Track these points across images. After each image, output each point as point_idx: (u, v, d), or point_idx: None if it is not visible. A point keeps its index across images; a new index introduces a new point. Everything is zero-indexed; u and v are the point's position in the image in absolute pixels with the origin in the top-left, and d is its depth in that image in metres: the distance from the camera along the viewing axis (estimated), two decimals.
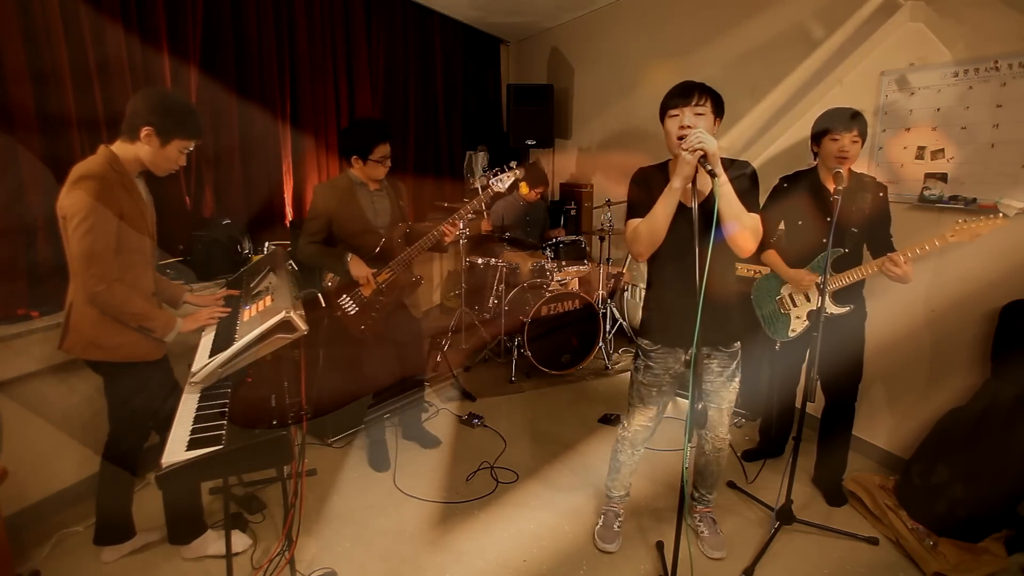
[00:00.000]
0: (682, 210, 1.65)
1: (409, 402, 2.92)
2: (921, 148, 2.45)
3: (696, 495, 2.18)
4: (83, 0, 2.31)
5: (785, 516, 2.14)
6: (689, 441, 1.59)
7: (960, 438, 2.14)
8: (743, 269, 2.76)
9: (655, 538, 2.16)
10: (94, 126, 2.40)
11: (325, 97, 3.68)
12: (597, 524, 2.21)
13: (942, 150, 2.39)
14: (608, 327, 3.91)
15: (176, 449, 1.35)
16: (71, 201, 1.63)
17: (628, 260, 4.19)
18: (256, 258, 2.78)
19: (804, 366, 2.38)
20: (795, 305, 2.28)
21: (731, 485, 2.51)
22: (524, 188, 3.96)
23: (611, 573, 2.03)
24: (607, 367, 3.85)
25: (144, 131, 1.70)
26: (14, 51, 2.11)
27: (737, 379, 1.90)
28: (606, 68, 4.36)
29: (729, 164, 1.68)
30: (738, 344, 1.87)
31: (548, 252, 3.83)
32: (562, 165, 5.06)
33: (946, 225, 1.97)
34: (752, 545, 2.13)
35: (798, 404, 2.32)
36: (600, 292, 3.92)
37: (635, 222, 1.75)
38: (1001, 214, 1.88)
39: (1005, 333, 2.18)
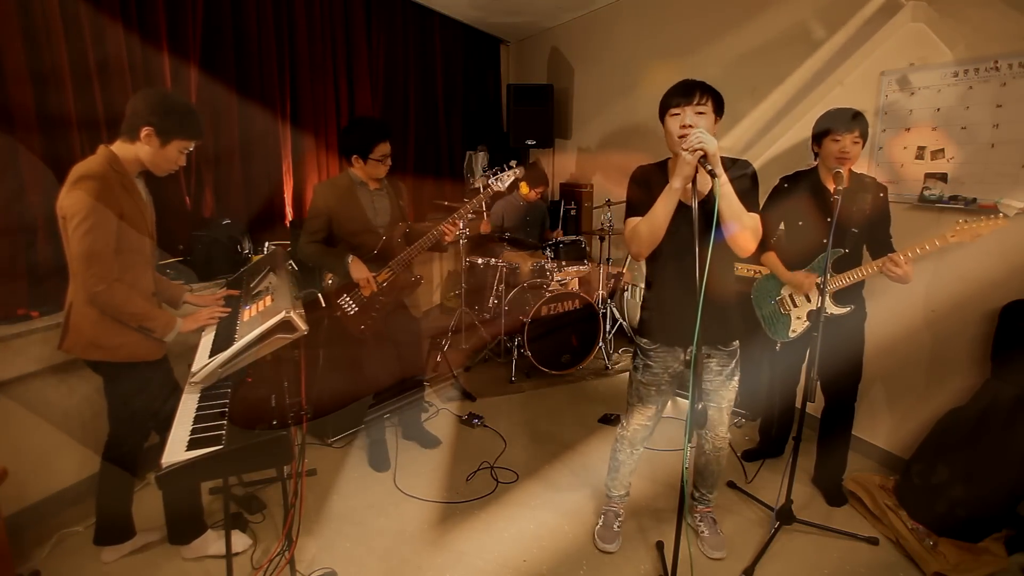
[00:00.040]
0: (682, 209, 1.65)
1: (409, 402, 2.92)
2: (921, 148, 2.45)
3: (696, 495, 2.18)
4: (83, 0, 2.31)
5: (785, 516, 2.14)
6: (689, 441, 1.59)
7: (960, 438, 2.14)
8: (743, 269, 2.76)
9: (655, 538, 2.16)
10: (94, 126, 2.40)
11: (325, 97, 3.68)
12: (597, 524, 2.21)
13: (942, 150, 2.39)
14: (608, 327, 3.91)
15: (176, 449, 1.35)
16: (71, 201, 1.63)
17: (628, 260, 4.19)
18: (256, 258, 2.78)
19: (804, 366, 2.38)
20: (795, 306, 2.28)
21: (731, 485, 2.51)
22: (524, 188, 3.96)
23: (611, 573, 2.03)
24: (607, 367, 3.85)
25: (144, 131, 1.70)
26: (14, 51, 2.11)
27: (736, 378, 1.90)
28: (606, 68, 4.36)
29: (730, 164, 1.68)
30: (737, 343, 1.87)
31: (548, 252, 3.83)
32: (562, 165, 5.05)
33: (946, 225, 1.97)
34: (752, 545, 2.13)
35: (798, 404, 2.32)
36: (600, 292, 3.92)
37: (634, 221, 1.75)
38: (1001, 214, 1.88)
39: (1005, 333, 2.18)
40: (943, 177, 2.38)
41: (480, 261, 3.93)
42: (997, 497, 2.01)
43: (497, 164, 2.60)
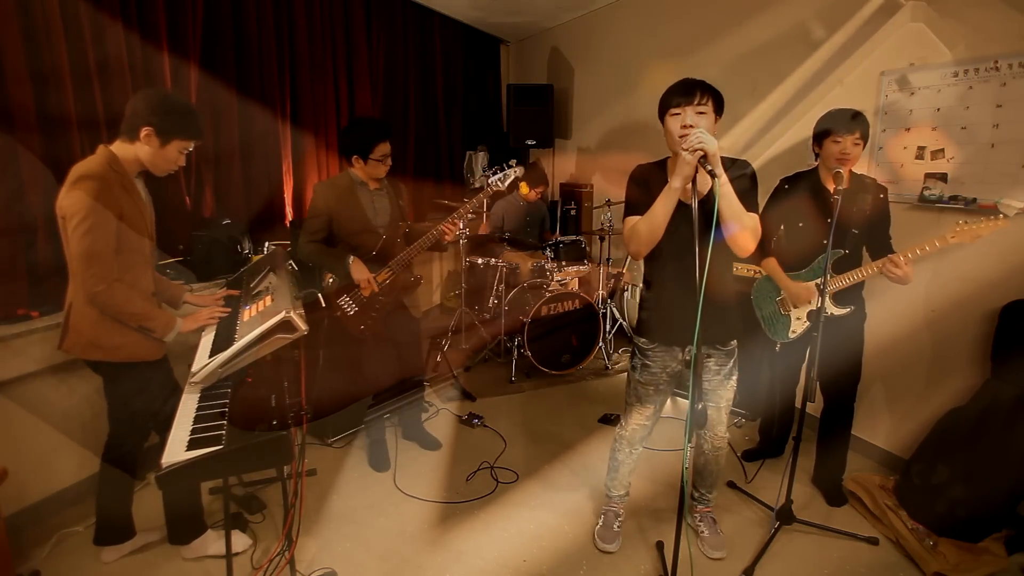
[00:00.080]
0: (681, 209, 1.65)
1: (409, 402, 2.92)
2: (921, 148, 2.45)
3: (696, 495, 2.18)
4: (83, 0, 2.31)
5: (785, 516, 2.14)
6: (689, 441, 1.59)
7: (960, 438, 2.14)
8: (743, 269, 2.76)
9: (655, 538, 2.16)
10: (94, 126, 2.40)
11: (325, 97, 3.68)
12: (597, 524, 2.21)
13: (942, 150, 2.39)
14: (608, 327, 3.91)
15: (176, 449, 1.35)
16: (70, 201, 1.63)
17: (628, 260, 4.19)
18: (256, 258, 2.78)
19: (804, 366, 2.38)
20: (795, 306, 2.27)
21: (731, 485, 2.51)
22: (524, 188, 3.96)
23: (611, 573, 2.03)
24: (607, 367, 3.85)
25: (144, 131, 1.70)
26: (14, 51, 2.11)
27: (734, 378, 1.90)
28: (606, 68, 4.36)
29: (730, 164, 1.68)
30: (735, 343, 1.87)
31: (548, 252, 3.84)
32: (562, 165, 5.05)
33: (946, 225, 1.97)
34: (752, 545, 2.13)
35: (798, 404, 2.32)
36: (600, 292, 3.92)
37: (633, 220, 1.75)
38: (1002, 215, 1.88)
39: (1005, 333, 2.18)
40: (943, 177, 2.38)
41: (480, 261, 3.93)
42: (997, 497, 2.01)
43: (497, 164, 2.60)
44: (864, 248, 2.19)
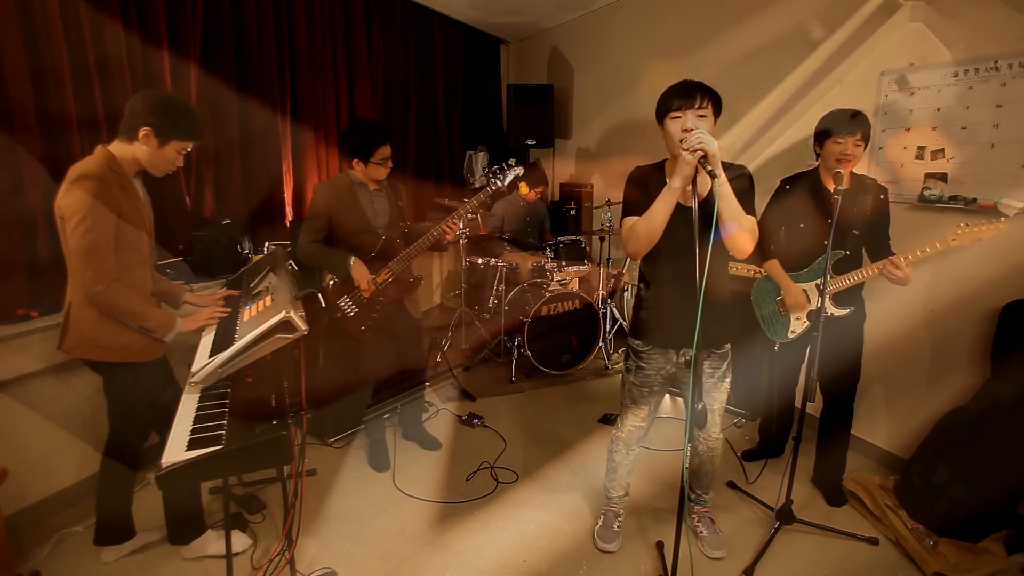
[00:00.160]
0: (679, 211, 1.65)
1: (409, 402, 2.92)
2: (921, 148, 2.45)
3: (693, 496, 2.18)
4: (83, 0, 2.31)
5: (785, 516, 2.14)
6: (689, 441, 1.59)
7: (960, 438, 2.14)
8: (743, 269, 2.76)
9: (655, 538, 2.16)
10: (94, 126, 2.40)
11: (325, 97, 3.68)
12: (597, 524, 2.21)
13: (942, 150, 2.39)
14: (608, 327, 3.91)
15: (176, 449, 1.35)
16: (69, 201, 1.63)
17: (628, 260, 4.19)
18: (256, 258, 2.78)
19: (804, 366, 2.38)
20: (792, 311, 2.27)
21: (731, 485, 2.51)
22: (524, 188, 3.97)
23: (611, 573, 2.03)
24: (607, 367, 3.85)
25: (142, 131, 1.70)
26: (14, 51, 2.11)
27: (728, 379, 1.91)
28: (606, 68, 4.36)
29: (726, 168, 1.68)
30: (728, 345, 1.88)
31: (548, 252, 3.84)
32: (562, 165, 5.05)
33: (946, 225, 1.97)
34: (752, 545, 2.13)
35: (798, 404, 2.32)
36: (600, 292, 3.92)
37: (631, 220, 1.75)
38: (1003, 217, 1.88)
39: (1005, 333, 2.18)
40: (943, 177, 2.38)
41: (480, 261, 3.93)
42: (997, 497, 2.01)
43: (497, 164, 2.60)
44: (863, 249, 2.19)
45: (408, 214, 2.70)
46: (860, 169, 2.25)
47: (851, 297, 2.19)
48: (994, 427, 2.05)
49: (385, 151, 2.38)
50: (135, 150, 1.73)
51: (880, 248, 2.14)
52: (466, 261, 3.96)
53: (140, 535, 2.08)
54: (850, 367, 2.25)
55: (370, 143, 2.35)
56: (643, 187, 1.76)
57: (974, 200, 2.29)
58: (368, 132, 2.37)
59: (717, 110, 1.67)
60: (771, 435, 2.66)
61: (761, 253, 2.28)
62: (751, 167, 1.78)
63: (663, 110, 1.68)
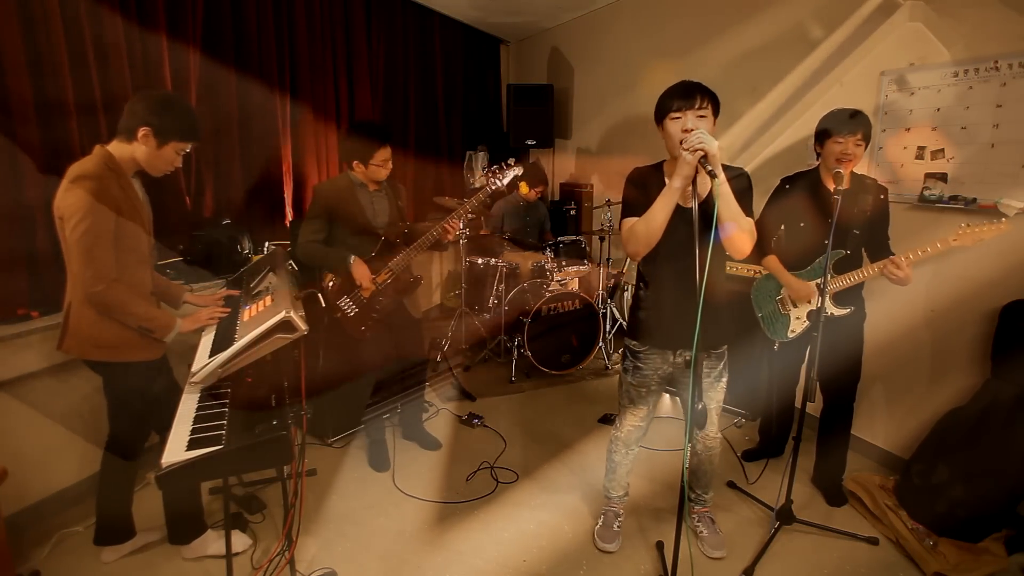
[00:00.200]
0: (678, 211, 1.65)
1: (409, 402, 2.92)
2: (921, 148, 2.45)
3: (692, 496, 2.18)
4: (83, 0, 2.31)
5: (785, 516, 2.14)
6: (689, 441, 1.59)
7: (960, 438, 2.14)
8: (743, 269, 2.76)
9: (655, 538, 2.16)
10: (94, 127, 2.40)
11: (325, 97, 3.68)
12: (597, 524, 2.21)
13: (942, 150, 2.39)
14: (608, 327, 3.91)
15: (176, 449, 1.35)
16: (68, 202, 1.63)
17: (627, 260, 4.19)
18: (256, 258, 2.78)
19: (804, 366, 2.38)
20: (795, 306, 2.27)
21: (731, 485, 2.51)
22: (524, 188, 3.97)
23: (611, 573, 2.03)
24: (607, 367, 3.85)
25: (142, 131, 1.70)
26: (14, 49, 2.11)
27: (725, 379, 1.91)
28: (606, 68, 4.36)
29: (724, 169, 1.68)
30: (725, 346, 1.88)
31: (548, 252, 3.84)
32: (562, 165, 5.05)
33: (946, 225, 1.97)
34: (752, 545, 2.13)
35: (798, 404, 2.32)
36: (600, 292, 3.92)
37: (631, 221, 1.75)
38: (1004, 218, 1.88)
39: (1005, 333, 2.18)
40: (943, 177, 2.38)
41: (480, 261, 3.93)
42: (997, 497, 2.01)
43: (496, 164, 2.60)
44: (863, 248, 2.19)
45: (408, 214, 2.70)
46: (860, 169, 2.25)
47: (851, 297, 2.19)
48: (994, 427, 2.06)
49: (385, 153, 2.38)
50: (134, 150, 1.73)
51: (879, 248, 2.14)
52: (466, 261, 3.96)
53: (140, 535, 2.08)
54: (850, 367, 2.25)
55: (370, 145, 2.35)
56: (642, 187, 1.76)
57: (974, 200, 2.29)
58: (368, 134, 2.37)
59: (716, 110, 1.67)
60: (771, 435, 2.66)
61: (760, 251, 2.28)
62: (750, 167, 1.79)
63: (663, 111, 1.69)
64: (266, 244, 3.10)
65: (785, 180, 2.32)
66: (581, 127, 4.79)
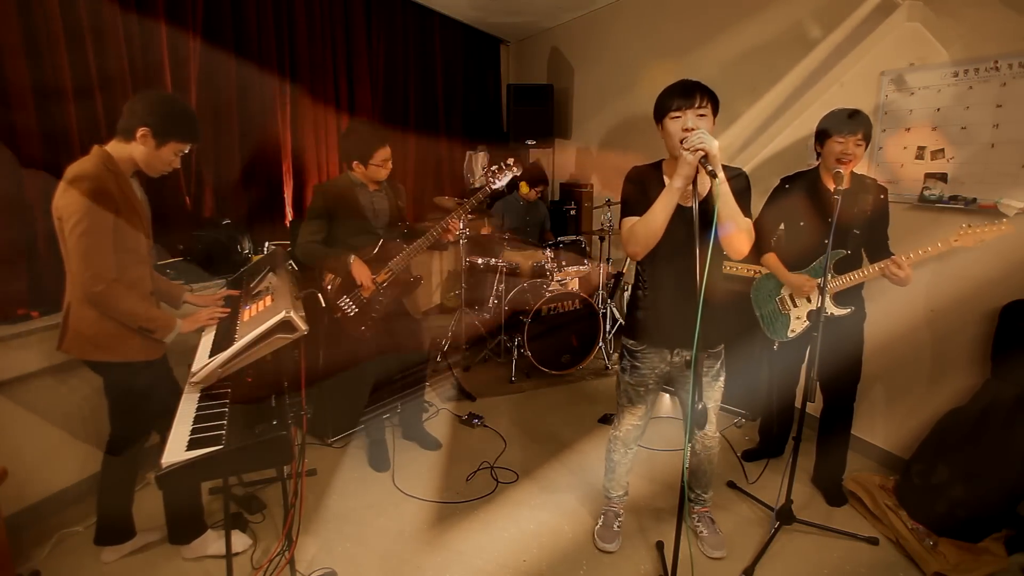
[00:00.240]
0: (677, 211, 1.65)
1: (409, 402, 2.92)
2: (921, 148, 2.45)
3: (692, 495, 2.18)
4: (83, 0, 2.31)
5: (785, 516, 2.14)
6: (689, 441, 1.59)
7: (960, 438, 2.14)
8: (743, 269, 2.75)
9: (655, 538, 2.16)
10: (94, 127, 2.40)
11: (325, 97, 3.68)
12: (597, 524, 2.21)
13: (942, 150, 2.39)
14: (608, 327, 3.91)
15: (176, 449, 1.35)
16: (66, 202, 1.63)
17: (628, 260, 4.19)
18: (256, 258, 2.78)
19: (804, 366, 2.38)
20: (795, 305, 2.27)
21: (731, 485, 2.51)
22: (524, 188, 3.97)
23: (611, 573, 2.03)
24: (607, 367, 3.85)
25: (140, 132, 1.70)
26: (14, 48, 2.11)
27: (722, 378, 1.92)
28: (606, 68, 4.36)
29: (723, 170, 1.68)
30: (722, 345, 1.89)
31: (548, 252, 3.84)
32: (562, 165, 5.05)
33: (946, 225, 1.97)
34: (752, 545, 2.13)
35: (798, 404, 2.32)
36: (600, 292, 3.92)
37: (631, 221, 1.75)
38: (1005, 219, 1.88)
39: (1005, 333, 2.18)
40: (943, 177, 2.38)
41: (480, 261, 3.93)
42: (997, 497, 2.01)
43: (496, 164, 2.60)
44: (863, 248, 2.19)
45: (408, 214, 2.70)
46: (860, 169, 2.25)
47: (851, 297, 2.19)
48: (994, 427, 2.06)
49: (385, 153, 2.38)
50: (132, 150, 1.73)
51: (879, 248, 2.14)
52: (466, 261, 3.96)
53: (140, 535, 2.08)
54: (850, 367, 2.25)
55: (370, 145, 2.35)
56: (641, 187, 1.76)
57: (974, 200, 2.29)
58: (368, 134, 2.38)
59: (716, 109, 1.67)
60: (771, 435, 2.66)
61: (758, 250, 2.28)
62: (749, 167, 1.79)
63: (662, 110, 1.68)
64: (266, 244, 3.10)
65: (785, 180, 2.32)
66: (581, 127, 4.79)
